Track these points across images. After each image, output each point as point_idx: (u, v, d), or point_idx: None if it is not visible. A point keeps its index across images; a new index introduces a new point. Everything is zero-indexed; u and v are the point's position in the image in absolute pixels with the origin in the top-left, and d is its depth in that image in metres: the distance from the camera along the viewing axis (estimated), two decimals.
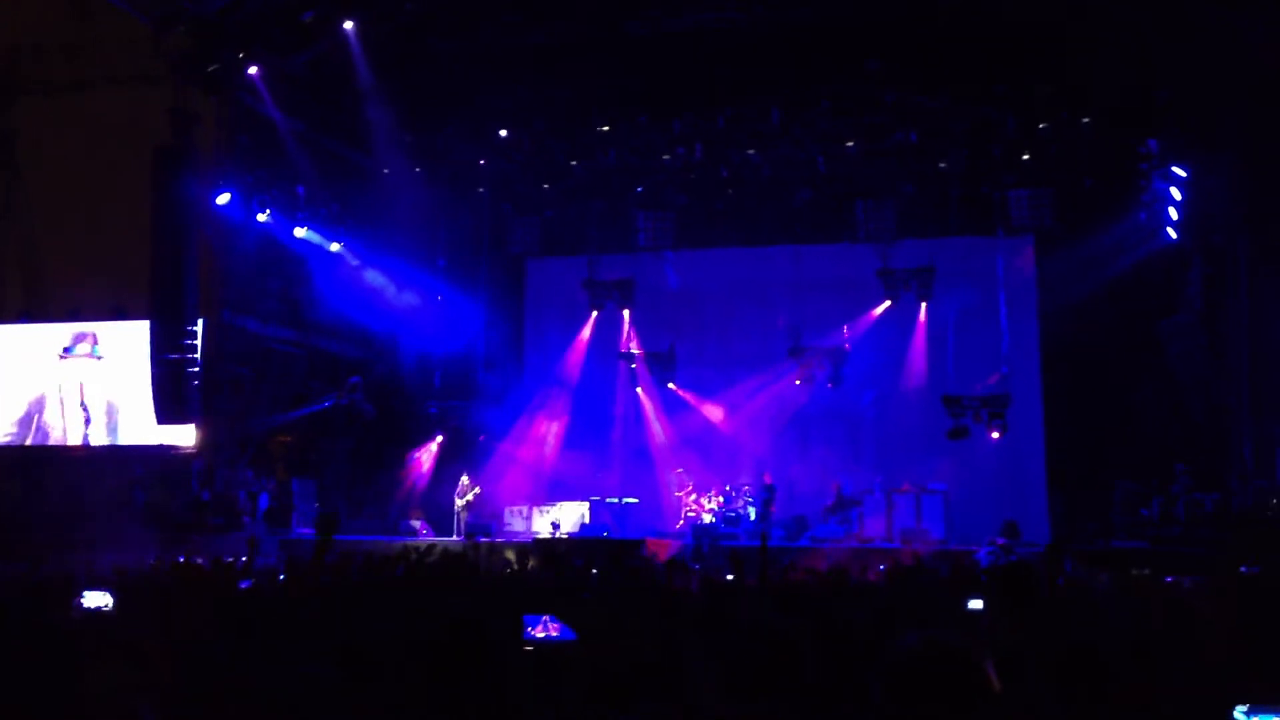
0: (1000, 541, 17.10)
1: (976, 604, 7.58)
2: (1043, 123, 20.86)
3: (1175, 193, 19.21)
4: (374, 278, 23.75)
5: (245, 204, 21.05)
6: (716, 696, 3.39)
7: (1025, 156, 21.50)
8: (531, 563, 16.94)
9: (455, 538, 21.10)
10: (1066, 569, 15.62)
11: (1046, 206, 21.38)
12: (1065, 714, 3.86)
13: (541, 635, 5.82)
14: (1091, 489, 20.30)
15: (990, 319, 22.02)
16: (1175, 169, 19.09)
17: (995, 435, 20.78)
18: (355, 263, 23.41)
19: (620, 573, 11.98)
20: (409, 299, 24.25)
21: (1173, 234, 19.73)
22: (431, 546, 15.96)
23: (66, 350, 24.33)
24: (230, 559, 14.03)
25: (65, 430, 24.04)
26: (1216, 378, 18.87)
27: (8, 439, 24.28)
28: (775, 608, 7.27)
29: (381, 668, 4.37)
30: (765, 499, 21.47)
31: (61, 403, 24.06)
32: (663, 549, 18.45)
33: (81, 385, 24.11)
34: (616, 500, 22.44)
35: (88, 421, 23.94)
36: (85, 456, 23.41)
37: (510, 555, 17.57)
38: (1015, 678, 4.05)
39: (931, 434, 21.30)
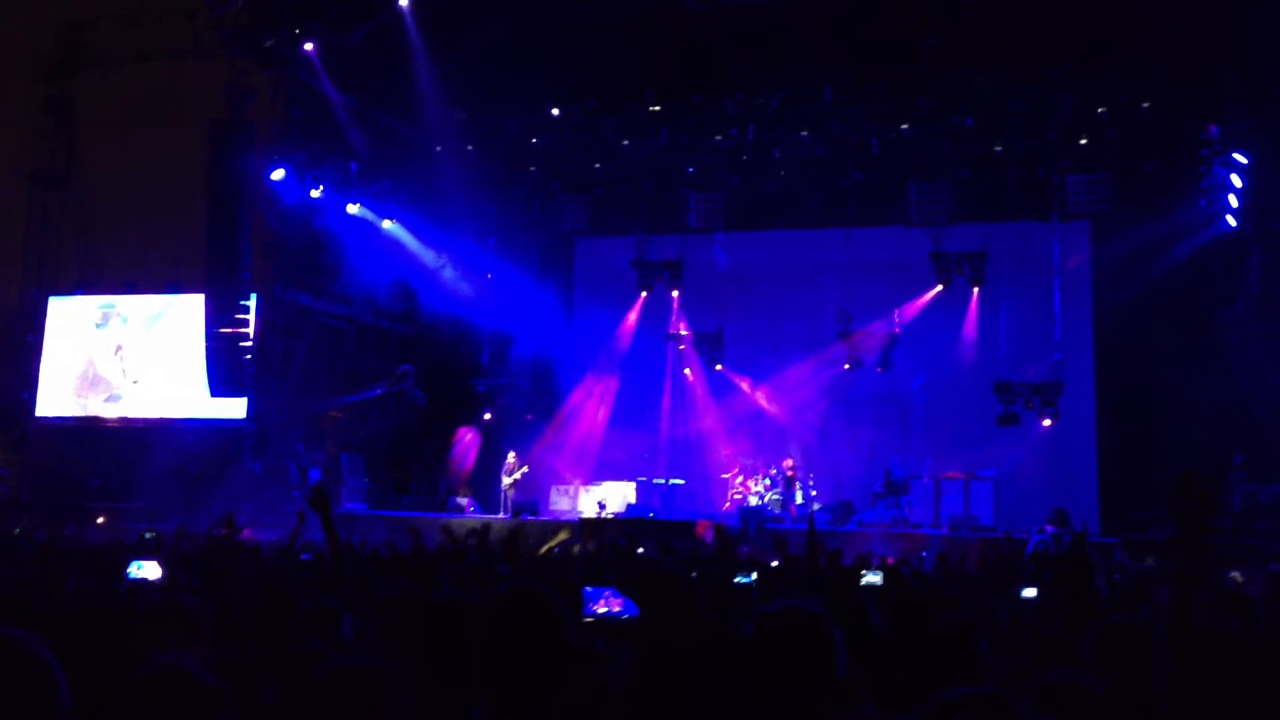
0: (1050, 529, 16.93)
1: (1030, 592, 7.49)
2: (1102, 107, 20.56)
3: (1236, 179, 18.87)
4: (424, 254, 23.80)
5: (299, 179, 21.13)
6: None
7: (1083, 141, 21.22)
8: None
9: (502, 515, 21.16)
10: (1117, 558, 15.50)
11: (1104, 192, 21.14)
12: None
13: (603, 610, 5.45)
14: (1144, 478, 19.98)
15: (1044, 304, 21.76)
16: (1236, 155, 18.77)
17: (1047, 422, 20.56)
18: (406, 239, 23.48)
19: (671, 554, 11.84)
20: (458, 276, 24.27)
21: (1232, 221, 19.40)
22: (488, 525, 15.88)
23: (102, 323, 24.59)
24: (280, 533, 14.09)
25: (119, 402, 24.30)
26: (1274, 367, 18.54)
27: (60, 410, 24.59)
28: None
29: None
30: (787, 488, 21.41)
31: (115, 374, 24.33)
32: (708, 531, 18.36)
33: (134, 357, 24.36)
34: (663, 481, 22.40)
35: (141, 393, 24.18)
36: (138, 428, 23.66)
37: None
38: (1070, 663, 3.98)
39: (982, 420, 21.10)
